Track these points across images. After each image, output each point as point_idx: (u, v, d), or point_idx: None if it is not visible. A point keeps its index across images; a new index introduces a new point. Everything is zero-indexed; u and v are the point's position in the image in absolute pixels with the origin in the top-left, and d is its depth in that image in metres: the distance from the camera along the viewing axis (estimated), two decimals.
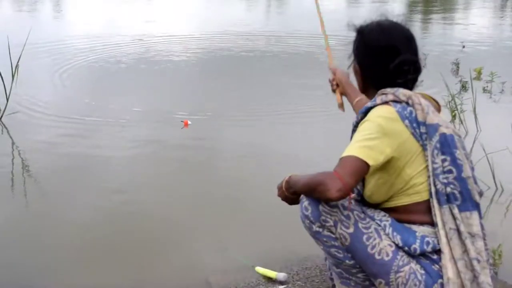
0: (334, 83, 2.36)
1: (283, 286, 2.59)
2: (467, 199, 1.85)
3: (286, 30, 10.12)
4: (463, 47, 8.08)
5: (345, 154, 1.79)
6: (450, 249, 1.83)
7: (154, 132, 4.89)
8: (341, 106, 2.32)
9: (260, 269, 2.72)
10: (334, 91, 2.37)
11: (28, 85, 5.94)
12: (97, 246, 3.07)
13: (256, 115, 5.25)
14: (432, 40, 8.68)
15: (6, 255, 2.99)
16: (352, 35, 2.04)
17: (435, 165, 1.84)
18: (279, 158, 4.16)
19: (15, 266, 2.90)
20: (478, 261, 1.83)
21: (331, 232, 1.87)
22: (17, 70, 5.26)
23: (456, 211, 1.84)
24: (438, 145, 1.84)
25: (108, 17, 12.39)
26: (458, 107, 4.69)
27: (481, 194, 1.93)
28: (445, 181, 1.84)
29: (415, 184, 1.87)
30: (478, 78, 6.26)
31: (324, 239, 1.90)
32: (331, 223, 1.86)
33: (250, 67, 7.35)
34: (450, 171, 1.85)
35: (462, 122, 4.63)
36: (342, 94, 2.35)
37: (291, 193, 1.97)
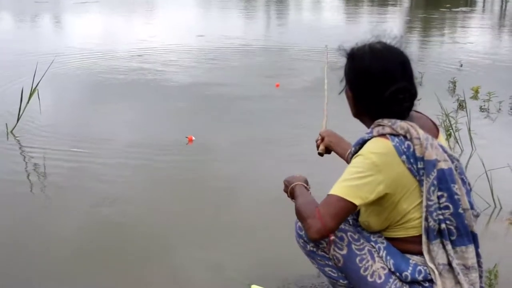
0: (319, 143, 2.38)
1: None
2: (463, 234, 1.83)
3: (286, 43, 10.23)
4: (461, 65, 8.13)
5: (332, 191, 1.77)
6: (442, 282, 1.83)
7: (147, 148, 4.89)
8: (321, 154, 2.38)
9: (256, 287, 2.72)
10: (320, 153, 2.40)
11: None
12: (85, 260, 3.07)
13: (250, 136, 5.23)
14: (429, 59, 8.73)
15: None
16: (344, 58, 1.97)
17: (430, 202, 1.81)
18: (274, 178, 4.14)
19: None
20: None
21: (325, 252, 1.88)
22: (36, 93, 5.44)
23: (449, 247, 1.83)
24: (435, 182, 1.79)
25: (110, 33, 12.46)
26: (453, 125, 4.71)
27: (477, 216, 1.92)
28: (440, 217, 1.82)
29: (412, 219, 1.85)
30: (475, 97, 6.29)
31: (319, 259, 1.91)
32: (325, 244, 1.87)
33: (248, 87, 7.36)
34: (446, 207, 1.82)
35: (457, 141, 4.65)
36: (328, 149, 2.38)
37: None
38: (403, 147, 1.80)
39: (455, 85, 6.73)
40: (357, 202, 1.74)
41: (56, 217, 3.64)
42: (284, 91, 6.90)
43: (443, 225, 1.82)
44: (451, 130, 4.70)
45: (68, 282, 2.88)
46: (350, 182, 1.76)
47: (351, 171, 1.79)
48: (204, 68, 8.33)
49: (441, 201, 1.81)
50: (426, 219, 1.82)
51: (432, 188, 1.80)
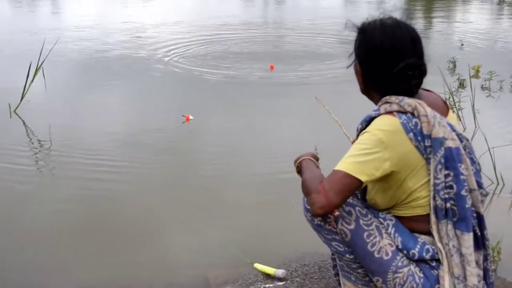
0: None
1: (281, 283, 2.58)
2: (462, 219, 1.80)
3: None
4: (462, 45, 8.08)
5: (337, 167, 1.74)
6: (448, 262, 1.81)
7: (144, 127, 4.90)
8: None
9: (259, 266, 2.71)
10: None
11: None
12: (87, 242, 3.08)
13: (244, 118, 5.20)
14: (428, 38, 8.68)
15: None
16: (352, 34, 1.93)
17: (437, 181, 1.78)
18: (273, 158, 4.14)
19: None
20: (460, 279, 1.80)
21: (333, 226, 1.86)
22: (38, 72, 5.48)
23: (450, 227, 1.81)
24: (442, 160, 1.77)
25: (108, 14, 12.35)
26: (456, 104, 4.69)
27: (486, 195, 1.89)
28: (446, 196, 1.79)
29: (418, 198, 1.83)
30: (476, 76, 6.26)
31: (325, 233, 1.89)
32: (332, 218, 1.84)
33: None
34: (451, 187, 1.79)
35: (460, 119, 4.64)
36: None
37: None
38: (410, 124, 1.77)
39: (455, 65, 6.70)
40: (362, 178, 1.71)
41: (53, 195, 3.65)
42: (278, 73, 6.83)
43: (448, 204, 1.80)
44: (454, 108, 4.68)
45: (59, 255, 2.92)
46: (356, 158, 1.73)
47: (358, 148, 1.76)
48: (201, 50, 8.23)
49: (447, 180, 1.79)
50: (434, 198, 1.80)
51: (439, 166, 1.77)
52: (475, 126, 4.55)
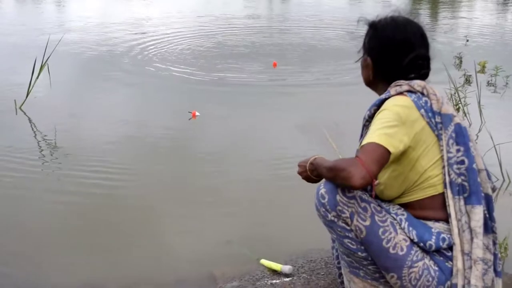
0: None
1: (288, 279, 2.58)
2: (473, 192, 1.83)
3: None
4: (467, 41, 8.05)
5: (366, 141, 1.76)
6: (460, 239, 1.82)
7: (149, 122, 4.91)
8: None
9: (265, 262, 2.71)
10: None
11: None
12: (92, 241, 3.08)
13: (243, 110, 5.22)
14: (434, 34, 8.65)
15: None
16: (362, 29, 2.02)
17: (450, 155, 1.84)
18: (279, 153, 4.16)
19: None
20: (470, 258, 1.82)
21: (346, 223, 1.85)
22: (43, 69, 5.52)
23: (462, 203, 1.84)
24: (453, 135, 1.84)
25: (114, 11, 12.35)
26: (462, 100, 4.68)
27: (494, 189, 1.93)
28: (457, 171, 1.84)
29: (430, 177, 1.86)
30: (482, 71, 6.24)
31: (339, 230, 1.87)
32: (347, 214, 1.83)
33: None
34: (462, 162, 1.84)
35: (466, 115, 4.62)
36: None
37: (314, 176, 1.95)
38: (421, 101, 1.86)
39: (461, 60, 6.68)
40: (391, 149, 1.74)
41: (56, 192, 3.66)
42: (281, 70, 6.80)
43: (459, 180, 1.84)
44: (460, 104, 4.67)
45: (60, 251, 2.94)
46: (381, 131, 1.77)
47: (381, 122, 1.80)
48: (204, 49, 8.23)
49: (458, 155, 1.84)
50: (449, 173, 1.84)
51: (451, 140, 1.84)
52: (481, 122, 4.54)
